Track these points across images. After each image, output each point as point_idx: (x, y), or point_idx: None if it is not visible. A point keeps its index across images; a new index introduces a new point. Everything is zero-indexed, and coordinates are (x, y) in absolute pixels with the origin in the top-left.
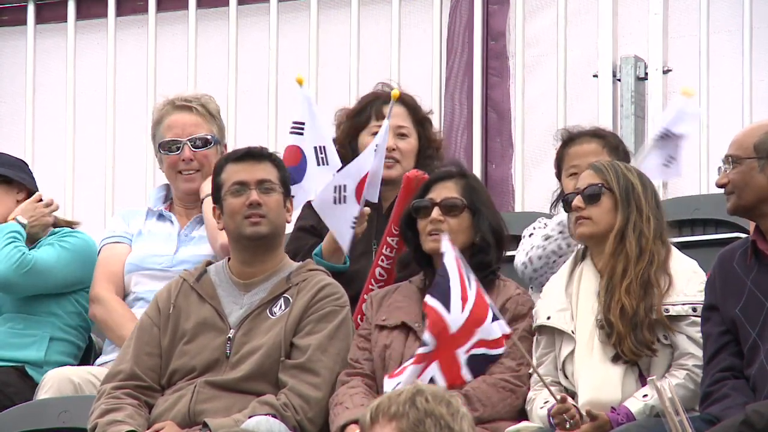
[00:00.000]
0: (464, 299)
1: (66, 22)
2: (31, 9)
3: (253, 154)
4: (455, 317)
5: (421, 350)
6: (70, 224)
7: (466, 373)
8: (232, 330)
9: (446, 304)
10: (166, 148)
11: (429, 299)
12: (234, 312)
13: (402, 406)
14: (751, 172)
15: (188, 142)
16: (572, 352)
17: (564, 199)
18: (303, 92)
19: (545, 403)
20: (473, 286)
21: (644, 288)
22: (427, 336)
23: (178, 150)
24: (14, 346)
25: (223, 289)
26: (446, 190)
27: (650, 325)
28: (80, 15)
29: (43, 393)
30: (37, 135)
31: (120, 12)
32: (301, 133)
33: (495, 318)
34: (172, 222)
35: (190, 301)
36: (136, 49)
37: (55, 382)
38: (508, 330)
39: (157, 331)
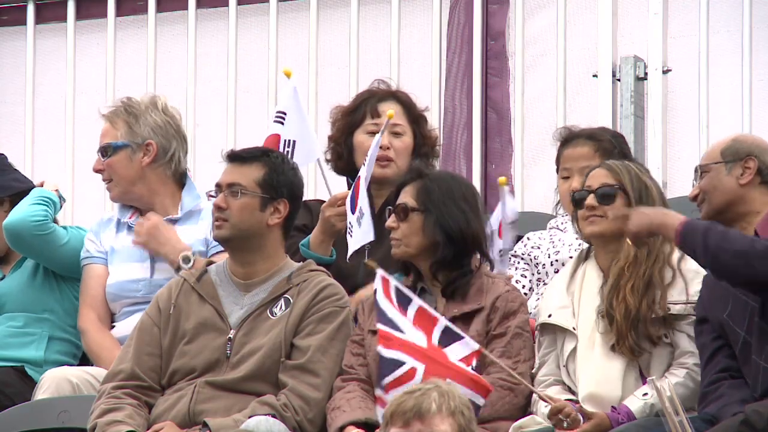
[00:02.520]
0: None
1: (66, 22)
2: (30, 9)
3: (234, 157)
4: (407, 329)
5: (400, 371)
6: None
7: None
8: (232, 330)
9: (398, 329)
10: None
11: (379, 325)
12: (234, 312)
13: (458, 404)
14: (718, 176)
15: (98, 154)
16: (574, 350)
17: (573, 197)
18: (290, 84)
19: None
20: (411, 310)
21: (647, 285)
22: (395, 354)
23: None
24: (13, 346)
25: (223, 289)
26: (403, 195)
27: (653, 319)
28: (80, 15)
29: (41, 393)
30: (37, 135)
31: (120, 12)
32: (282, 123)
33: (456, 338)
34: None
35: (190, 301)
36: (136, 49)
37: (53, 382)
38: (476, 346)
39: (158, 331)
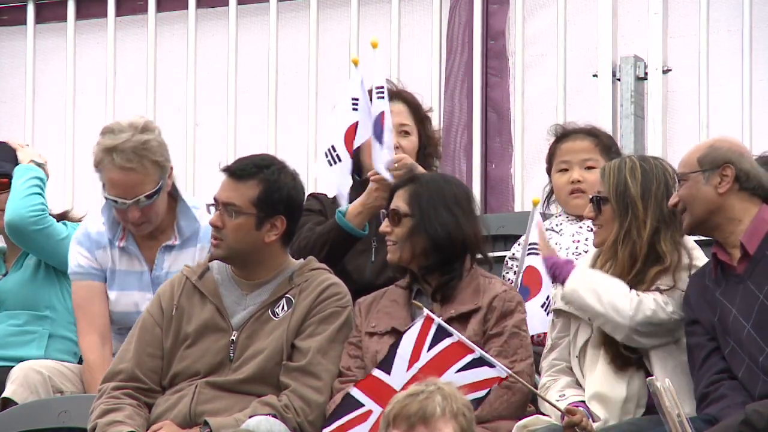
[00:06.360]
0: (413, 360)
1: (66, 21)
2: (30, 9)
3: (230, 172)
4: (397, 378)
5: (355, 413)
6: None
7: None
8: (234, 332)
9: (387, 371)
10: (111, 200)
11: (374, 371)
12: (237, 313)
13: (460, 406)
14: (697, 186)
15: (134, 204)
16: (586, 344)
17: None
18: (358, 72)
19: (561, 396)
20: (438, 348)
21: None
22: (359, 395)
23: (125, 206)
24: (14, 345)
25: (225, 289)
26: (396, 199)
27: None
28: (80, 15)
29: (10, 384)
30: (37, 135)
31: (120, 12)
32: (356, 109)
33: (482, 365)
34: (139, 260)
35: (193, 302)
36: (136, 49)
37: (22, 374)
38: (503, 374)
39: (160, 332)
